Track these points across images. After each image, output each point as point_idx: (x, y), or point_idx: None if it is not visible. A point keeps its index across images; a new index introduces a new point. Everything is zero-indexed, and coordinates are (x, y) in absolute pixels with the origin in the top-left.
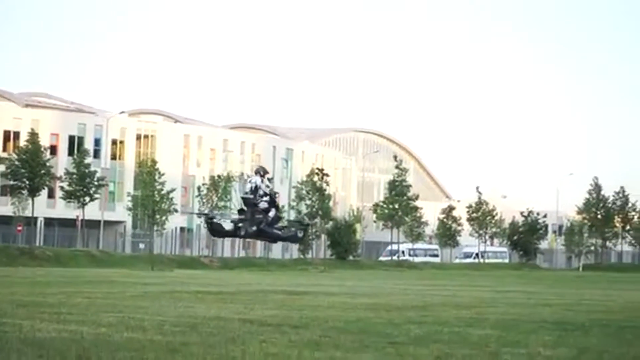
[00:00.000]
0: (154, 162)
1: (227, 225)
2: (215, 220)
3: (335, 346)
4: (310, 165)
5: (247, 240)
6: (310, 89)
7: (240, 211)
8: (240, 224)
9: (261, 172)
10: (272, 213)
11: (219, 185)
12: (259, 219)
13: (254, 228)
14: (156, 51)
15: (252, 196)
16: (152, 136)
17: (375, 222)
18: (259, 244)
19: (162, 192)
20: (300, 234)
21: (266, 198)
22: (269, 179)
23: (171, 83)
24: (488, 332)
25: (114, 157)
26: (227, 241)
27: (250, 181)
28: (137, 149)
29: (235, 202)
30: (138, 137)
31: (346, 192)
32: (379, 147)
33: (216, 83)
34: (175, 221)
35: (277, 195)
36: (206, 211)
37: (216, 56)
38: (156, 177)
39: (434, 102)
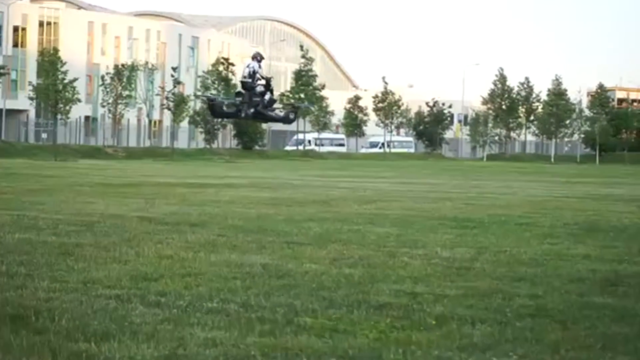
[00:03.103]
0: (55, 50)
1: (228, 108)
2: (216, 102)
3: (232, 247)
4: (216, 54)
5: (153, 129)
6: None
7: (238, 94)
8: (240, 107)
9: (258, 57)
10: (267, 96)
11: (123, 75)
12: (256, 101)
13: (252, 110)
14: None
15: (250, 80)
16: (55, 23)
17: (281, 111)
18: (164, 134)
19: (65, 82)
20: (292, 116)
21: (262, 82)
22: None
23: None
24: (387, 230)
25: (15, 45)
26: (133, 130)
27: (248, 66)
28: (39, 36)
29: (140, 91)
30: (41, 24)
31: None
32: (286, 35)
33: None
34: (79, 110)
35: (271, 79)
36: (208, 94)
37: None
38: (58, 66)
39: None
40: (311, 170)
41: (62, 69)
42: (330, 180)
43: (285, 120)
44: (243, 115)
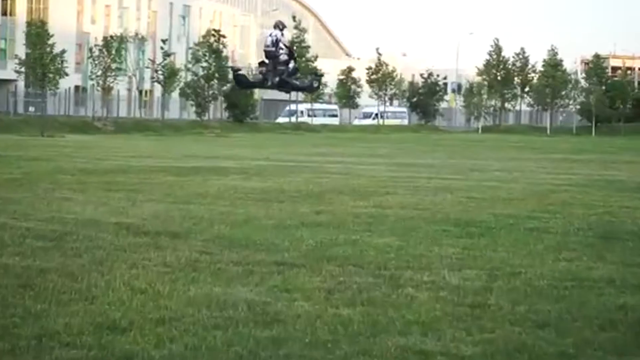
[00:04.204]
0: (42, 22)
1: (252, 77)
2: (240, 72)
3: (215, 272)
4: (208, 23)
5: (144, 99)
6: None
7: (262, 63)
8: (266, 75)
9: (280, 26)
10: (291, 65)
11: (112, 46)
12: (280, 70)
13: (277, 79)
14: None
15: (273, 49)
16: None
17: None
18: (155, 104)
19: (52, 54)
20: (315, 84)
21: (285, 50)
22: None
23: None
24: (387, 241)
25: (4, 13)
26: (123, 101)
27: (270, 34)
28: (28, 4)
29: (129, 63)
30: None
31: (245, 49)
32: (277, 3)
33: None
34: (69, 80)
35: (294, 47)
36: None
37: None
38: (45, 39)
39: None
40: (303, 147)
41: (50, 41)
42: (322, 161)
43: (310, 88)
44: (269, 84)
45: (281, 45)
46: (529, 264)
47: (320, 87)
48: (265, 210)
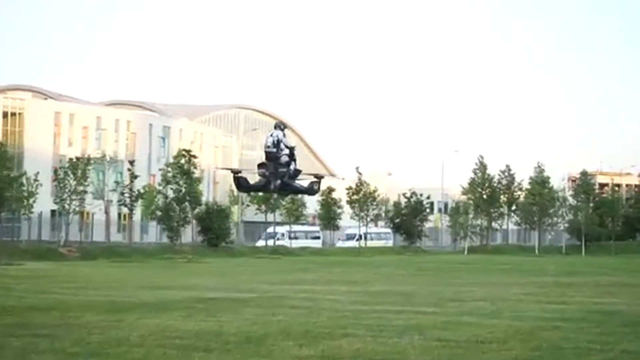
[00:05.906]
0: (1, 145)
1: (254, 180)
2: (241, 175)
3: None
4: (188, 144)
5: (123, 222)
6: (189, 64)
7: (261, 165)
8: (269, 178)
9: (281, 126)
10: (292, 166)
11: (77, 169)
12: (282, 172)
13: (278, 182)
14: (23, 24)
15: (274, 150)
16: (20, 114)
17: (250, 204)
18: (134, 228)
19: (10, 178)
20: (316, 187)
21: (286, 151)
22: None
23: (42, 57)
24: None
25: None
26: (100, 225)
27: (271, 135)
28: (4, 127)
29: (104, 185)
30: (5, 115)
31: (227, 170)
32: (259, 123)
33: (89, 57)
34: (45, 204)
35: (295, 148)
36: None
37: (87, 28)
38: (5, 162)
39: (316, 78)
40: (275, 274)
41: (16, 163)
42: (287, 290)
43: (310, 191)
44: (272, 187)
45: (282, 146)
46: None
47: (320, 189)
48: None
